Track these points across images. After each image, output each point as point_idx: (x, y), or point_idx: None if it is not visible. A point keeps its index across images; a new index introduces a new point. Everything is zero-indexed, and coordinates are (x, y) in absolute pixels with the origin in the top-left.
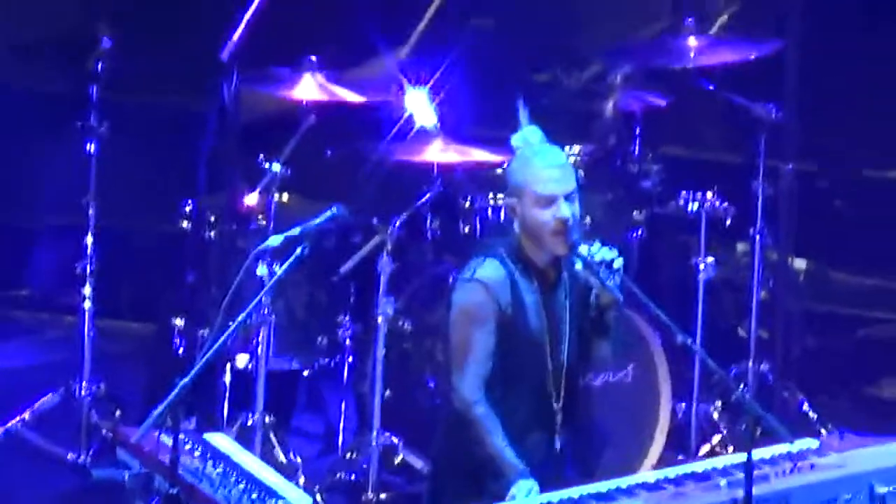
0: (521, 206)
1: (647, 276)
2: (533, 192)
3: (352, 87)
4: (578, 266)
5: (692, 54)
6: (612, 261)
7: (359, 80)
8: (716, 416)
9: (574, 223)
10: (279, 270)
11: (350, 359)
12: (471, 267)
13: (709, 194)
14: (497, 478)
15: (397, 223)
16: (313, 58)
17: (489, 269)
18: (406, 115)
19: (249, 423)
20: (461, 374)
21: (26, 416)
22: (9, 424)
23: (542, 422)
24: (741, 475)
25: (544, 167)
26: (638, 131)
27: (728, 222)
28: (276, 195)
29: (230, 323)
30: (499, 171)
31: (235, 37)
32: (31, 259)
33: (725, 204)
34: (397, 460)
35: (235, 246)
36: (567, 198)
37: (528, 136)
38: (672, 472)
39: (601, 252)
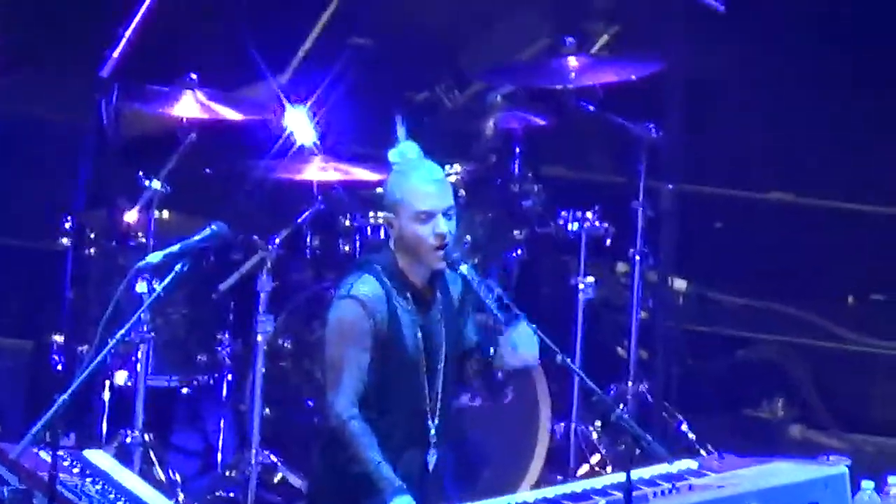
0: (399, 221)
1: (526, 295)
2: (411, 208)
3: (232, 105)
4: (464, 269)
5: (572, 74)
6: (492, 281)
7: (239, 100)
8: (595, 436)
9: (452, 240)
10: (159, 287)
11: (229, 377)
12: (347, 283)
13: (589, 214)
14: (374, 496)
15: (277, 241)
16: (193, 76)
17: (366, 286)
18: (286, 133)
19: (129, 440)
20: (336, 390)
21: None
22: None
23: (417, 440)
24: (620, 495)
25: (422, 183)
26: (518, 151)
27: (608, 242)
28: (157, 212)
29: (109, 340)
30: (379, 189)
31: (116, 53)
32: None
33: (606, 224)
34: (276, 479)
35: (115, 263)
36: (445, 213)
37: (405, 151)
38: (551, 492)
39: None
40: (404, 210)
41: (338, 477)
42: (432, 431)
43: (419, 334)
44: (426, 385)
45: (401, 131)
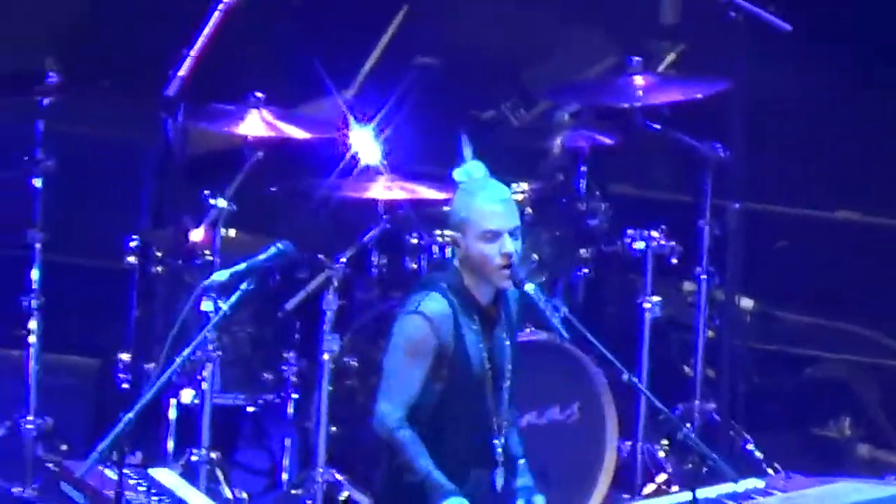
0: (465, 240)
1: (593, 314)
2: (477, 227)
3: (297, 123)
4: (530, 288)
5: (639, 93)
6: (558, 300)
7: (304, 118)
8: (661, 454)
9: (518, 259)
10: (224, 306)
11: (295, 395)
12: (414, 300)
13: (655, 233)
14: None
15: (343, 260)
16: (259, 94)
17: (433, 304)
18: (351, 151)
19: (194, 458)
20: (387, 400)
21: None
22: None
23: (484, 459)
24: None
25: (488, 202)
26: (585, 169)
27: (674, 261)
28: (222, 231)
29: (175, 358)
30: (445, 207)
31: (182, 72)
32: None
33: (672, 243)
34: (342, 497)
35: (181, 281)
36: (511, 233)
37: (471, 170)
38: None
39: None
40: (471, 229)
41: (402, 493)
42: (499, 450)
43: (485, 353)
44: (492, 404)
45: (467, 150)
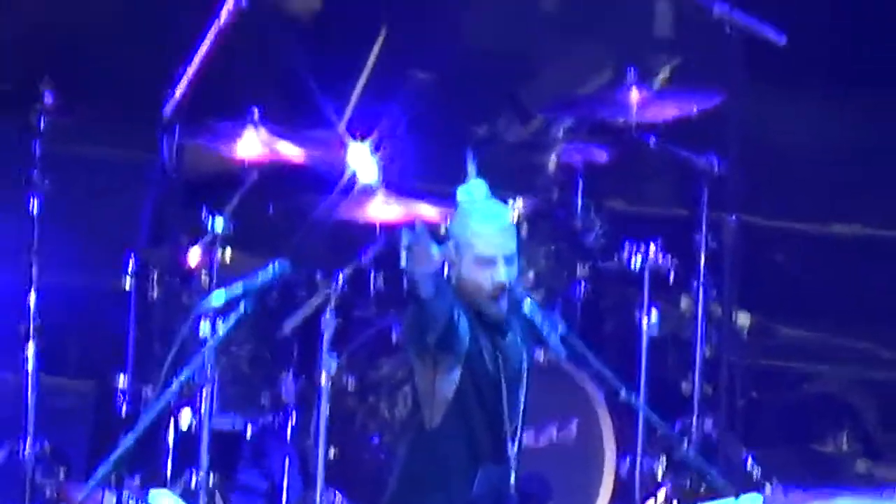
0: (460, 262)
1: (590, 330)
2: (472, 251)
3: (294, 141)
4: (527, 305)
5: (634, 108)
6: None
7: (301, 136)
8: (660, 471)
9: (513, 284)
10: (221, 330)
11: (293, 416)
12: None
13: (651, 248)
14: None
15: (341, 279)
16: (255, 112)
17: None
18: (349, 171)
19: (194, 480)
20: None
21: None
22: None
23: (496, 458)
24: None
25: (486, 226)
26: (580, 185)
27: (671, 276)
28: (219, 251)
29: (173, 380)
30: (442, 226)
31: (178, 93)
32: None
33: (669, 257)
34: None
35: (178, 302)
36: (507, 260)
37: (473, 189)
38: None
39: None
40: (466, 252)
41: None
42: (512, 453)
43: (498, 356)
44: (506, 407)
45: (471, 167)
